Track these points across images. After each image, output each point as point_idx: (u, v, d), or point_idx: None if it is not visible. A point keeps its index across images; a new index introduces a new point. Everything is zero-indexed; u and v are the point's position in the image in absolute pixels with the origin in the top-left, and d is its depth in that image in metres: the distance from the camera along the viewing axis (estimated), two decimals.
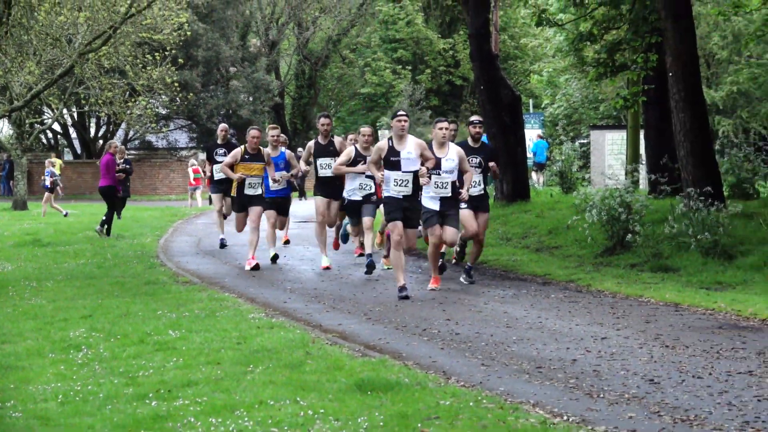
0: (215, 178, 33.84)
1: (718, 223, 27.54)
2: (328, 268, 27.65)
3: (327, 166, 26.95)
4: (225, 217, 34.56)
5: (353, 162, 24.74)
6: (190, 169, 60.07)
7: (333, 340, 17.45)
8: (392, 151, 21.88)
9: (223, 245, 34.37)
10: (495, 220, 35.05)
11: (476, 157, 24.81)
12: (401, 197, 21.78)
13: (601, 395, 13.53)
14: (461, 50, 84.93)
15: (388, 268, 26.33)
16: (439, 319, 19.82)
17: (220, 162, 32.21)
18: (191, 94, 71.55)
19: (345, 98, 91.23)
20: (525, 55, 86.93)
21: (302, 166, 28.95)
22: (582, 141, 61.42)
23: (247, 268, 26.90)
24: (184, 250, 34.86)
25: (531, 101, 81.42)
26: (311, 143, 27.79)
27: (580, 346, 16.99)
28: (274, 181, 28.41)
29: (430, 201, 22.72)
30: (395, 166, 21.93)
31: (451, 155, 22.38)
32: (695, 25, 36.98)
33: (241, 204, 27.62)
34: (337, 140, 27.66)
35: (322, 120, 27.81)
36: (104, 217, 39.73)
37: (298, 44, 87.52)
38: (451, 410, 12.25)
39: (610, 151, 48.71)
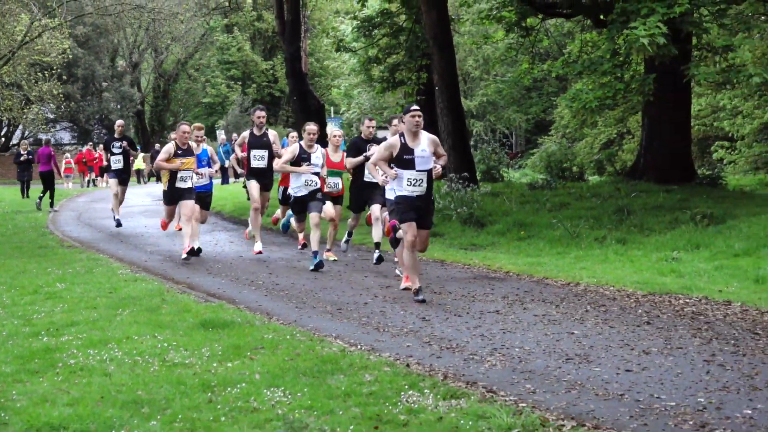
0: (112, 167, 29.80)
1: (473, 199, 28.45)
2: (260, 252, 22.89)
3: (261, 158, 22.95)
4: (120, 202, 30.14)
5: (297, 159, 20.37)
6: (63, 161, 59.13)
7: (183, 290, 17.53)
8: (405, 149, 16.20)
9: (119, 224, 29.63)
10: None
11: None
12: (415, 196, 16.21)
13: (386, 330, 13.88)
14: (279, 69, 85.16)
15: (334, 260, 21.77)
16: (264, 273, 20.00)
17: (117, 153, 29.26)
18: (72, 103, 72.84)
19: (191, 106, 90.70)
20: (327, 73, 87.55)
21: (237, 151, 23.74)
22: None
23: (183, 256, 21.83)
24: (68, 222, 33.52)
25: (332, 108, 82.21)
26: (246, 133, 23.28)
27: (370, 293, 17.32)
28: (198, 175, 23.29)
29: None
30: (409, 164, 16.18)
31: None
32: (455, 51, 37.78)
33: (172, 197, 22.40)
34: (271, 133, 23.30)
35: (258, 113, 23.12)
36: (41, 194, 39.70)
37: (155, 65, 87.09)
38: (273, 342, 12.52)
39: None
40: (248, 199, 25.37)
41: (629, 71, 27.99)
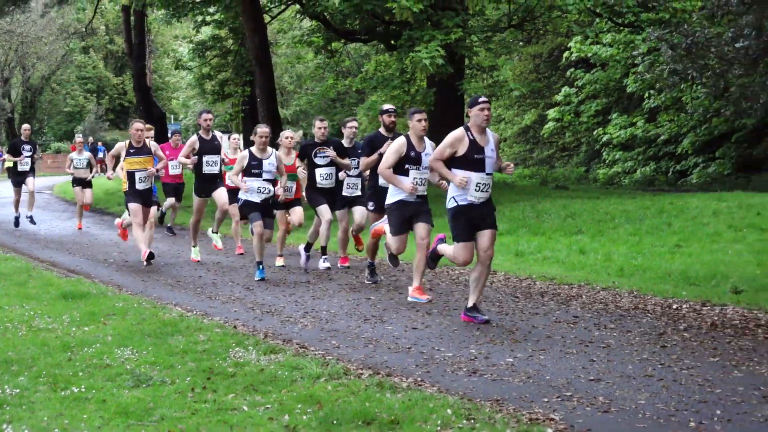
0: (18, 169, 26.00)
1: None
2: (198, 261, 18.05)
3: (213, 163, 17.72)
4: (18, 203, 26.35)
5: (248, 167, 15.33)
6: None
7: (47, 267, 17.28)
8: (475, 147, 11.65)
9: (17, 224, 26.02)
10: None
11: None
12: (479, 204, 11.71)
13: (217, 298, 13.88)
14: (128, 84, 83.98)
15: (282, 266, 17.27)
16: (115, 253, 19.85)
17: (28, 155, 25.41)
18: None
19: (54, 114, 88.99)
20: (168, 87, 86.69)
21: (184, 161, 18.05)
22: None
23: (143, 259, 17.09)
24: None
25: (172, 116, 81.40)
26: (194, 139, 17.79)
27: (203, 268, 17.30)
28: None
29: (406, 197, 13.01)
30: (478, 165, 11.65)
31: (428, 150, 12.97)
32: (274, 69, 37.85)
33: (137, 197, 17.17)
34: (218, 134, 18.37)
35: (205, 115, 17.97)
36: None
37: (23, 80, 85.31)
38: (122, 309, 12.34)
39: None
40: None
41: (414, 86, 28.30)
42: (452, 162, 11.37)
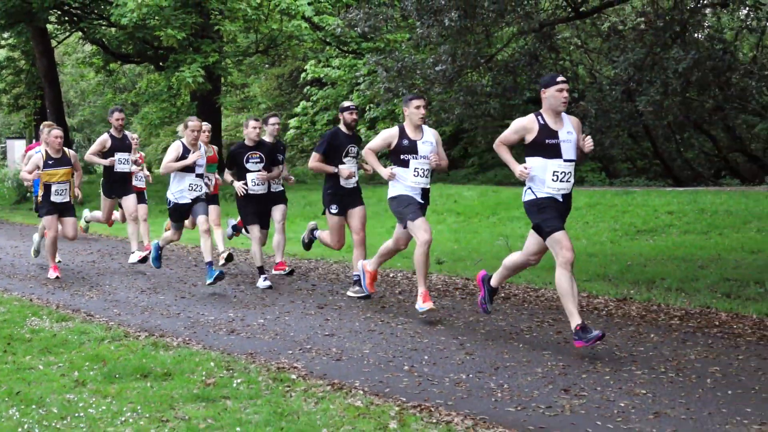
0: None
1: None
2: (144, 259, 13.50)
3: (125, 161, 14.13)
4: None
5: (180, 159, 11.89)
6: None
7: None
8: (547, 131, 8.51)
9: None
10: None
11: (354, 147, 11.52)
12: (561, 196, 8.45)
13: (15, 276, 13.45)
14: None
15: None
16: None
17: None
18: None
19: None
20: None
21: (97, 160, 14.23)
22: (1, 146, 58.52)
23: (54, 275, 12.84)
24: None
25: None
26: (105, 137, 14.18)
27: (1, 252, 16.53)
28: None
29: (410, 191, 9.85)
30: (553, 151, 8.44)
31: (428, 138, 9.95)
32: (61, 85, 36.85)
33: (52, 209, 12.96)
34: (128, 134, 14.51)
35: (116, 114, 14.33)
36: None
37: None
38: None
39: (21, 151, 46.52)
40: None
41: (180, 100, 27.96)
42: (526, 149, 8.33)
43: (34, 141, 20.48)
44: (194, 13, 25.73)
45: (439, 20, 12.42)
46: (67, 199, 12.88)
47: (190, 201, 11.82)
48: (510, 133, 8.43)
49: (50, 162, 12.59)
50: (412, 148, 9.74)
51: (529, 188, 8.33)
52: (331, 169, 10.96)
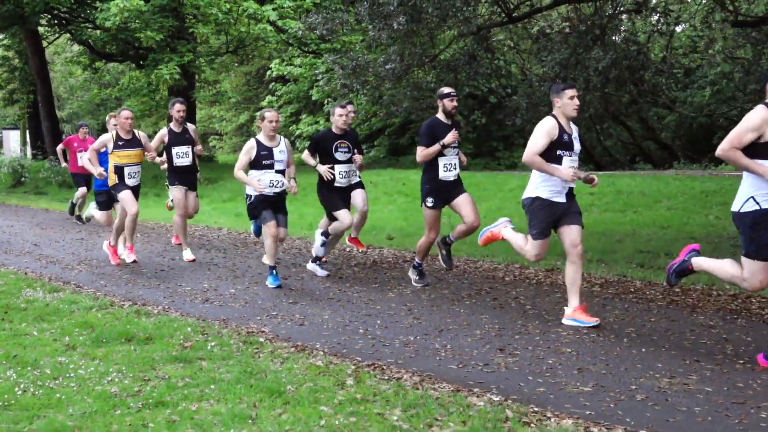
0: None
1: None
2: (193, 260, 11.73)
3: (184, 155, 11.76)
4: None
5: (257, 157, 9.51)
6: None
7: None
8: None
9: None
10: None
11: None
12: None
13: (11, 252, 13.08)
14: None
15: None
16: None
17: None
18: None
19: None
20: None
21: (153, 155, 11.46)
22: None
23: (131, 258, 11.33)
24: None
25: None
26: (164, 132, 11.90)
27: (20, 232, 16.19)
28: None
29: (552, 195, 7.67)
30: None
31: (576, 133, 7.81)
32: (52, 82, 36.46)
33: (109, 200, 12.01)
34: (191, 127, 12.06)
35: (178, 106, 11.97)
36: None
37: None
38: None
39: (15, 140, 45.51)
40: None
41: (158, 95, 27.66)
42: (752, 150, 6.03)
43: (65, 136, 19.13)
44: (171, 17, 25.54)
45: (389, 24, 12.40)
46: (139, 182, 11.20)
47: (275, 195, 9.56)
48: (746, 131, 5.96)
49: (120, 143, 10.90)
50: (570, 144, 7.59)
51: (752, 197, 6.13)
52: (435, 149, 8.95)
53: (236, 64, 39.82)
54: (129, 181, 10.98)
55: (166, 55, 25.92)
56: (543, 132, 7.38)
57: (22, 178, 27.66)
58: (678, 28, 25.25)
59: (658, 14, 17.28)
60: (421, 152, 8.98)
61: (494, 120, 29.03)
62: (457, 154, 9.21)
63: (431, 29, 12.76)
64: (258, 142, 9.49)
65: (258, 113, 9.49)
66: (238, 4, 25.38)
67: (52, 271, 11.01)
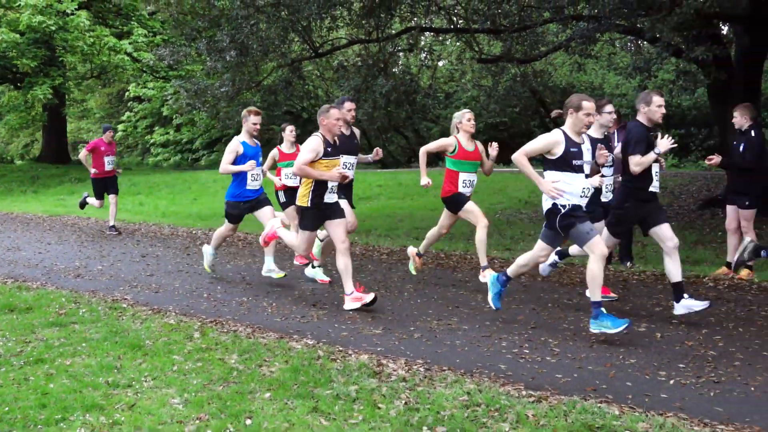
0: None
1: None
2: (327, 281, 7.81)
3: (351, 166, 7.33)
4: None
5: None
6: None
7: None
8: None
9: None
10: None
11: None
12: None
13: None
14: None
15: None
16: None
17: None
18: None
19: None
20: None
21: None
22: None
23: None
24: None
25: None
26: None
27: None
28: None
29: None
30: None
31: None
32: None
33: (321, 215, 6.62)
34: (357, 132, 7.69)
35: (347, 104, 7.42)
36: None
37: None
38: None
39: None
40: None
41: (34, 111, 25.67)
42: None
43: (95, 138, 14.28)
44: (43, 47, 23.98)
45: (223, 57, 12.19)
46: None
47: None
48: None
49: (329, 150, 6.52)
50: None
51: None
52: None
53: (100, 87, 37.56)
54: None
55: (41, 79, 24.39)
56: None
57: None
58: (440, 63, 26.10)
59: (425, 53, 17.79)
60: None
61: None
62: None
63: (256, 61, 12.57)
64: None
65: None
66: (101, 38, 24.06)
67: None
